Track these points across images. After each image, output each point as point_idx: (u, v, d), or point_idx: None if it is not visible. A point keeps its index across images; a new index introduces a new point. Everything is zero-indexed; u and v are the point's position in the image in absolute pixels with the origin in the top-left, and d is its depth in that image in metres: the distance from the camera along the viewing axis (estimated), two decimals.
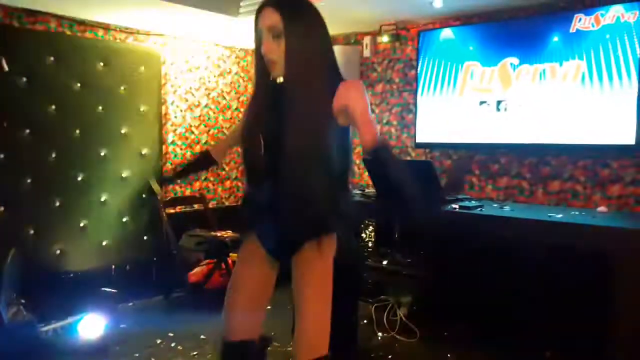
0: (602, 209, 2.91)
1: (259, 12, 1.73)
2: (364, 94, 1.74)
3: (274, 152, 1.75)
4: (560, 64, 3.59)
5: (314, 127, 1.69)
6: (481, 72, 3.98)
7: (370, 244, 4.19)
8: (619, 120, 3.38)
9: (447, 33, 4.15)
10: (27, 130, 3.86)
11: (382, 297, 4.00)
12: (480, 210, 2.91)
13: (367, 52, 4.64)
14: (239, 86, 5.44)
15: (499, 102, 3.91)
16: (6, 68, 3.70)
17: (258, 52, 1.77)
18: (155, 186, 3.82)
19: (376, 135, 1.68)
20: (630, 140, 3.34)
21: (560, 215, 2.65)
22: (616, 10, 3.39)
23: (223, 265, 4.44)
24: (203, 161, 2.27)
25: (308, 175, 1.69)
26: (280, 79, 1.75)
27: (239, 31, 4.57)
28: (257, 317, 1.93)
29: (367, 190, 3.96)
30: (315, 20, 1.75)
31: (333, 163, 1.72)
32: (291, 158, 1.69)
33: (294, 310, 1.83)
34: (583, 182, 3.63)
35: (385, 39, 4.51)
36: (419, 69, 4.30)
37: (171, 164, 4.88)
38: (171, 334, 3.55)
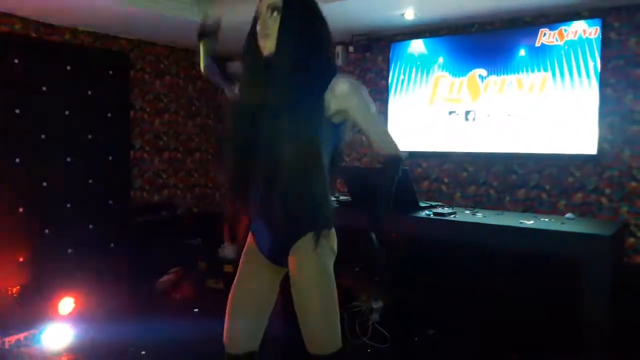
0: (569, 215, 3.02)
1: None
2: (368, 98, 1.73)
3: (263, 148, 1.69)
4: (527, 76, 3.73)
5: (305, 123, 1.64)
6: (450, 82, 4.08)
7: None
8: (582, 130, 3.53)
9: (417, 44, 4.24)
10: None
11: (354, 302, 4.02)
12: (454, 217, 2.97)
13: (339, 62, 4.69)
14: (209, 92, 5.41)
15: (467, 112, 4.02)
16: None
17: (252, 35, 1.74)
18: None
19: (396, 145, 1.78)
20: (593, 150, 3.49)
21: (531, 222, 2.73)
22: (578, 25, 3.55)
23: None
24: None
25: (299, 170, 1.64)
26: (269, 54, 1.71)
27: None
28: (260, 327, 1.88)
29: (341, 197, 3.98)
30: (315, 9, 1.76)
31: (323, 159, 1.68)
32: (272, 153, 1.65)
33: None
34: (548, 190, 3.76)
35: (356, 49, 4.57)
36: (389, 79, 4.38)
37: (139, 170, 4.80)
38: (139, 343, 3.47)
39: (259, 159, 1.70)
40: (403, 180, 3.25)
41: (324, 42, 1.76)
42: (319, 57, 1.72)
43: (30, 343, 3.20)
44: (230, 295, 1.88)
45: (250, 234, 1.89)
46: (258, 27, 1.71)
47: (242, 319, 1.85)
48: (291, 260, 1.76)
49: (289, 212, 1.67)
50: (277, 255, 1.81)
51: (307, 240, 1.71)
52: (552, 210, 3.71)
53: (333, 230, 1.79)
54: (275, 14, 1.68)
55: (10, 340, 3.18)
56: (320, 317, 1.72)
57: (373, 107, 1.75)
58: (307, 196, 1.67)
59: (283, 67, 1.66)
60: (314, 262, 1.72)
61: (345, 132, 1.79)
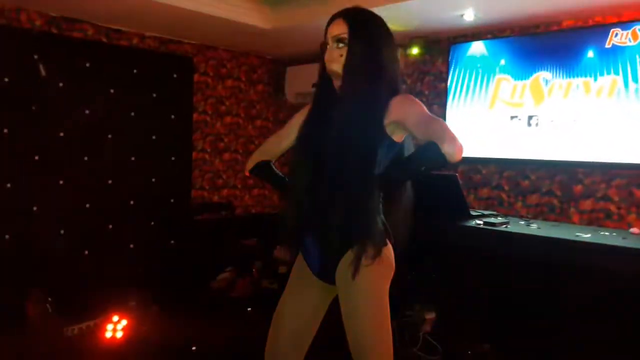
0: (634, 230, 2.79)
1: (329, 24, 1.76)
2: (419, 104, 1.67)
3: (322, 168, 1.71)
4: (595, 79, 3.50)
5: (362, 142, 1.66)
6: (512, 86, 3.91)
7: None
8: None
9: (478, 46, 4.09)
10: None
11: (406, 312, 3.93)
12: (506, 227, 2.84)
13: None
14: (269, 95, 5.49)
15: (530, 117, 3.83)
16: (44, 73, 3.84)
17: (322, 65, 1.79)
18: None
19: (457, 141, 1.51)
20: None
21: (588, 235, 2.56)
22: None
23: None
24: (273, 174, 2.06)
25: (354, 192, 1.65)
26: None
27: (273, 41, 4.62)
28: (302, 345, 1.85)
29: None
30: (382, 34, 1.75)
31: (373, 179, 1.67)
32: (338, 174, 1.66)
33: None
34: (617, 202, 3.51)
35: (415, 51, 4.47)
36: (449, 81, 4.25)
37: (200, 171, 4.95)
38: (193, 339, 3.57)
39: (321, 174, 1.72)
40: (452, 187, 3.17)
41: (391, 68, 1.75)
42: (386, 83, 1.72)
43: (91, 333, 3.37)
44: (276, 311, 1.87)
45: (300, 253, 1.88)
46: (325, 58, 1.75)
47: (285, 335, 1.83)
48: (341, 271, 1.71)
49: (346, 227, 1.66)
50: (328, 269, 1.77)
51: (362, 253, 1.67)
52: (621, 223, 3.45)
53: (390, 245, 1.75)
54: (341, 45, 1.71)
55: (74, 328, 3.37)
56: (372, 332, 1.67)
57: (424, 111, 1.65)
58: (364, 212, 1.67)
59: (347, 105, 1.70)
60: (367, 273, 1.67)
61: (403, 151, 1.76)
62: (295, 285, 1.87)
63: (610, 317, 2.63)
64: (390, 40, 1.77)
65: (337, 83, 1.76)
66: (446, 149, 1.48)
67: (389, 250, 1.74)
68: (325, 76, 1.80)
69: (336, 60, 1.71)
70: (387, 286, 1.73)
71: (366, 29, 1.72)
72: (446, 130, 1.51)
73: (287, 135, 1.96)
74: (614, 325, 2.59)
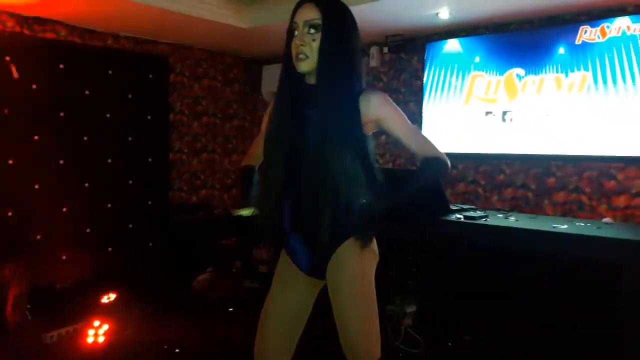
0: (607, 220, 2.89)
1: (297, 8, 1.69)
2: (398, 108, 1.73)
3: (299, 161, 1.68)
4: (566, 75, 3.60)
5: (349, 143, 1.65)
6: (487, 82, 3.99)
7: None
8: (625, 131, 3.38)
9: (453, 44, 4.17)
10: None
11: (388, 306, 3.98)
12: (485, 220, 2.91)
13: (373, 62, 4.66)
14: (245, 95, 5.48)
15: (504, 113, 3.92)
16: (16, 75, 3.76)
17: (287, 53, 1.72)
18: None
19: (437, 149, 1.72)
20: (637, 152, 3.34)
21: (565, 226, 2.64)
22: (622, 22, 3.40)
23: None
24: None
25: (346, 191, 1.65)
26: (312, 80, 1.71)
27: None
28: (292, 341, 1.86)
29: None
30: (351, 24, 1.73)
31: (361, 171, 1.69)
32: (320, 167, 1.63)
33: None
34: (588, 193, 3.62)
35: (391, 49, 4.52)
36: (424, 79, 4.32)
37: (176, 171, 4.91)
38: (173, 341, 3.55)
39: (303, 174, 1.67)
40: (433, 182, 3.22)
41: (360, 59, 1.75)
42: (357, 74, 1.72)
43: (71, 338, 3.32)
44: (263, 310, 1.86)
45: (283, 251, 1.88)
46: (295, 43, 1.67)
47: (274, 333, 1.82)
48: (332, 265, 1.73)
49: (332, 221, 1.65)
50: (318, 266, 1.77)
51: (349, 244, 1.71)
52: (593, 214, 3.57)
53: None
54: (312, 31, 1.66)
55: (53, 335, 3.31)
56: (359, 323, 1.69)
57: (405, 117, 1.75)
58: (350, 204, 1.68)
59: (325, 97, 1.65)
60: (356, 264, 1.71)
61: (371, 142, 1.78)
62: (281, 282, 1.86)
63: (591, 306, 2.71)
64: (358, 31, 1.75)
65: (304, 68, 1.68)
66: (444, 160, 1.72)
67: (373, 241, 1.79)
68: (290, 66, 1.71)
69: (307, 46, 1.65)
70: (374, 274, 1.77)
71: (339, 16, 1.69)
72: (434, 144, 1.74)
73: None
74: (594, 314, 2.67)
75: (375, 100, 1.69)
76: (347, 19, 1.71)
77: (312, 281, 1.84)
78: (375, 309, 1.74)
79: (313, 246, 1.74)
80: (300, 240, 1.77)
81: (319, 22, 1.65)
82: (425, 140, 1.74)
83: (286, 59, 1.73)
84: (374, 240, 1.79)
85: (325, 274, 1.76)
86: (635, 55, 3.34)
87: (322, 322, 2.01)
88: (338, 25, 1.67)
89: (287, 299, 1.84)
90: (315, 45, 1.65)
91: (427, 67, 4.30)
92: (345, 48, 1.68)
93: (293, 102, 1.73)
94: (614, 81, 3.42)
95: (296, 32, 1.68)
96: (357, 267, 1.71)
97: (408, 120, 1.74)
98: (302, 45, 1.65)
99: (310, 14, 1.65)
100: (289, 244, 1.82)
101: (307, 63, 1.67)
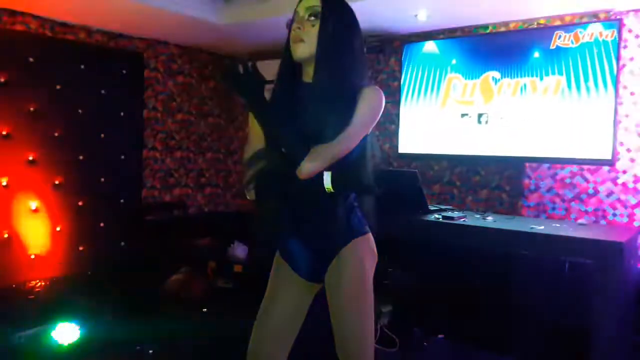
0: (582, 221, 2.97)
1: (300, 1, 1.69)
2: (375, 106, 1.69)
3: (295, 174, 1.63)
4: (541, 79, 3.67)
5: (340, 132, 1.61)
6: (463, 85, 4.04)
7: None
8: (596, 134, 3.46)
9: (430, 46, 4.20)
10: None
11: None
12: (464, 220, 2.94)
13: None
14: (221, 92, 5.42)
15: (480, 115, 3.97)
16: None
17: (287, 49, 1.69)
18: None
19: (332, 151, 1.59)
20: (607, 155, 3.42)
21: (542, 227, 2.69)
22: (594, 28, 3.48)
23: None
24: None
25: (338, 184, 1.63)
26: (309, 75, 1.68)
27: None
28: (286, 344, 1.84)
29: None
30: (353, 20, 1.71)
31: (358, 168, 1.69)
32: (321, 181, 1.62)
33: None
34: (561, 194, 3.70)
35: (369, 50, 4.54)
36: (402, 80, 4.34)
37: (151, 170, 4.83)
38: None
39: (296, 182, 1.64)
40: (412, 183, 3.24)
41: (360, 51, 1.72)
42: (358, 67, 1.70)
43: (41, 339, 3.23)
44: (259, 312, 1.85)
45: (278, 254, 1.87)
46: (294, 29, 1.66)
47: (270, 336, 1.81)
48: (333, 266, 1.73)
49: (323, 225, 1.68)
50: (318, 270, 1.78)
51: (352, 246, 1.72)
52: (566, 215, 3.65)
53: (370, 234, 1.79)
54: (312, 18, 1.65)
55: (20, 336, 3.21)
56: (353, 327, 1.70)
57: (369, 120, 1.69)
58: (348, 205, 1.70)
59: (324, 91, 1.63)
60: (357, 267, 1.72)
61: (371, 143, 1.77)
62: (277, 285, 1.85)
63: (568, 307, 2.77)
64: (359, 29, 1.73)
65: (300, 52, 1.66)
66: (306, 164, 1.56)
67: (372, 241, 1.80)
68: (288, 64, 1.70)
69: (306, 31, 1.64)
70: (372, 275, 1.78)
71: (340, 9, 1.69)
72: (327, 154, 1.57)
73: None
74: (572, 315, 2.73)
75: (363, 93, 1.67)
76: (348, 14, 1.71)
77: (309, 286, 1.84)
78: (372, 313, 1.75)
79: (315, 252, 1.75)
80: (300, 243, 1.78)
81: (319, 9, 1.64)
82: (339, 140, 1.60)
83: (286, 55, 1.71)
84: (373, 240, 1.80)
85: (324, 276, 1.77)
86: (607, 60, 3.43)
87: (316, 323, 2.02)
88: (339, 16, 1.67)
89: (283, 302, 1.82)
90: (314, 30, 1.64)
91: (405, 68, 4.32)
92: (344, 40, 1.67)
93: (290, 98, 1.71)
94: (587, 85, 3.50)
95: (297, 20, 1.68)
96: (357, 269, 1.72)
97: (367, 120, 1.68)
98: (299, 28, 1.65)
99: (313, 1, 1.66)
100: (287, 248, 1.81)
101: (304, 47, 1.64)
